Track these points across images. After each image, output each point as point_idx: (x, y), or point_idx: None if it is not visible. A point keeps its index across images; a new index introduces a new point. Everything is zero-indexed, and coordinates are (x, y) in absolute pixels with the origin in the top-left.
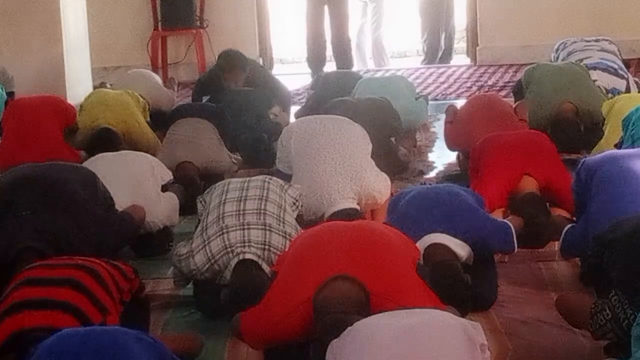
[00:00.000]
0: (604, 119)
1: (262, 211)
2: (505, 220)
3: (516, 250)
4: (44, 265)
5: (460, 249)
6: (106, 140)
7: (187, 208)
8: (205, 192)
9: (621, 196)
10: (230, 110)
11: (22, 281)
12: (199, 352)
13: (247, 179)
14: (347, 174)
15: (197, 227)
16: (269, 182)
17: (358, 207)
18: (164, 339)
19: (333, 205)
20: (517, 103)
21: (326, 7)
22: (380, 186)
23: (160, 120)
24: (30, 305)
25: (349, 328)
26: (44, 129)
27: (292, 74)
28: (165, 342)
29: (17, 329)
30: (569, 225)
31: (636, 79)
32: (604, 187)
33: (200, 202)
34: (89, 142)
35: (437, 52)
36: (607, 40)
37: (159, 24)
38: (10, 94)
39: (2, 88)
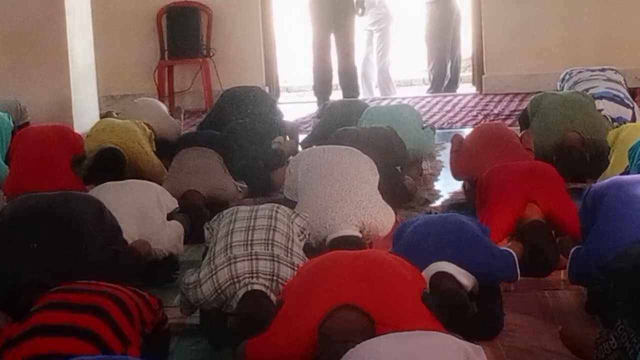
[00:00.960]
0: (610, 148)
1: (270, 242)
2: (508, 249)
3: (519, 278)
4: (70, 289)
5: (465, 278)
6: (111, 160)
7: (193, 236)
8: (213, 219)
9: (625, 221)
10: (233, 138)
11: (45, 305)
12: None
13: (255, 207)
14: (351, 202)
15: (204, 254)
16: (276, 212)
17: (360, 235)
18: None
19: (335, 231)
20: (522, 132)
21: (332, 36)
22: (384, 219)
23: (166, 148)
24: (51, 330)
25: (350, 350)
26: (52, 158)
27: (298, 102)
28: None
29: (38, 352)
30: (575, 247)
31: None
32: (608, 211)
33: (208, 229)
34: (94, 163)
35: (443, 80)
36: (612, 69)
37: (166, 53)
38: (26, 125)
39: (9, 117)
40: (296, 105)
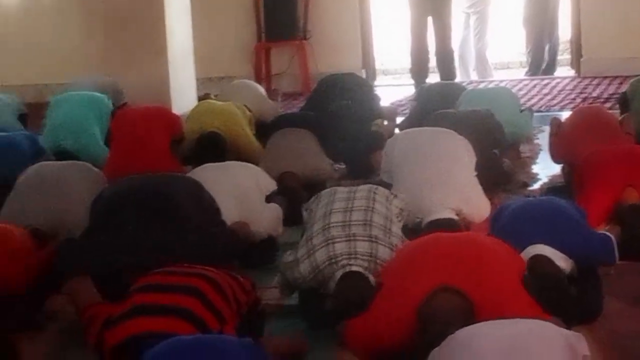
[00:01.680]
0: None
1: (369, 222)
2: (606, 232)
3: (617, 262)
4: (166, 272)
5: (563, 261)
6: (213, 144)
7: (291, 218)
8: (311, 200)
9: None
10: (332, 121)
11: (143, 286)
12: (304, 356)
13: (354, 188)
14: (448, 185)
15: (302, 235)
16: (375, 193)
17: (456, 218)
18: (270, 342)
19: (432, 213)
20: (622, 116)
21: (430, 19)
22: (480, 204)
23: (263, 130)
24: (150, 310)
25: (450, 337)
26: (151, 140)
27: (394, 85)
28: (272, 345)
29: (134, 333)
30: None
31: None
32: None
33: (306, 210)
34: (195, 146)
35: (541, 63)
36: None
37: (263, 35)
38: (124, 106)
39: (108, 98)
40: (393, 88)
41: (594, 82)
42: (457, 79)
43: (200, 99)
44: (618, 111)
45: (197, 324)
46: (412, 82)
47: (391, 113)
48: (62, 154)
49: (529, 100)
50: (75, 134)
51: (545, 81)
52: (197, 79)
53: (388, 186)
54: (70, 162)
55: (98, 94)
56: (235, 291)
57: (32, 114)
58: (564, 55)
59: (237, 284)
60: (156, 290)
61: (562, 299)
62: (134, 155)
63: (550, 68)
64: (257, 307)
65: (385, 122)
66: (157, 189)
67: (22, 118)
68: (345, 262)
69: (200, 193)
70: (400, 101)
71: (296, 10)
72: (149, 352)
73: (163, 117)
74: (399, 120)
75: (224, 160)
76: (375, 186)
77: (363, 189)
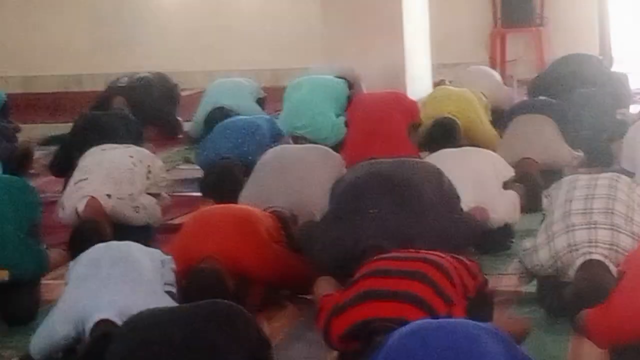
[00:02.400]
0: None
1: (610, 211)
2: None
3: None
4: (391, 257)
5: None
6: (448, 130)
7: (528, 205)
8: (552, 186)
9: None
10: (573, 108)
11: (370, 271)
12: (525, 337)
13: (596, 176)
14: None
15: (542, 222)
16: (617, 181)
17: None
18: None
19: None
20: None
21: None
22: None
23: (500, 116)
24: (379, 295)
25: None
26: (389, 125)
27: (632, 72)
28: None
29: (366, 317)
30: None
31: None
32: None
33: (546, 197)
34: (430, 131)
35: None
36: None
37: (499, 21)
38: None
39: (345, 83)
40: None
41: None
42: None
43: (435, 85)
44: None
45: (425, 308)
46: None
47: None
48: (298, 137)
49: None
50: (311, 118)
51: None
52: (432, 65)
53: (630, 175)
54: (309, 145)
55: (335, 79)
56: (462, 275)
57: (269, 97)
58: None
59: (464, 267)
60: (383, 275)
61: None
62: (372, 139)
63: None
64: (484, 290)
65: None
66: (398, 174)
67: (260, 101)
68: (585, 250)
69: (440, 179)
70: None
71: None
72: (392, 334)
73: (401, 103)
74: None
75: (458, 146)
76: (617, 174)
77: (605, 177)
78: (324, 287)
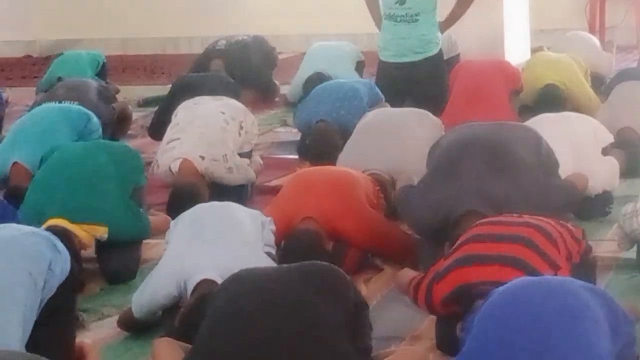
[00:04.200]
0: None
1: None
2: None
3: None
4: (494, 221)
5: None
6: (554, 97)
7: (628, 171)
8: None
9: None
10: None
11: (473, 236)
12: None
13: None
14: None
15: None
16: None
17: None
18: None
19: None
20: None
21: None
22: None
23: (599, 82)
24: (481, 259)
25: None
26: (491, 89)
27: None
28: None
29: (468, 281)
30: None
31: None
32: None
33: None
34: (534, 100)
35: None
36: None
37: None
38: (456, 57)
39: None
40: None
41: None
42: None
43: (533, 51)
44: None
45: (530, 272)
46: None
47: None
48: None
49: None
50: None
51: None
52: (530, 31)
53: None
54: (408, 109)
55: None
56: (566, 240)
57: (367, 62)
58: None
59: (568, 232)
60: (486, 239)
61: None
62: (472, 103)
63: None
64: (588, 256)
65: None
66: (496, 138)
67: (359, 65)
68: None
69: (539, 143)
70: None
71: None
72: (492, 292)
73: (504, 70)
74: None
75: (561, 111)
76: None
77: None
78: (407, 274)
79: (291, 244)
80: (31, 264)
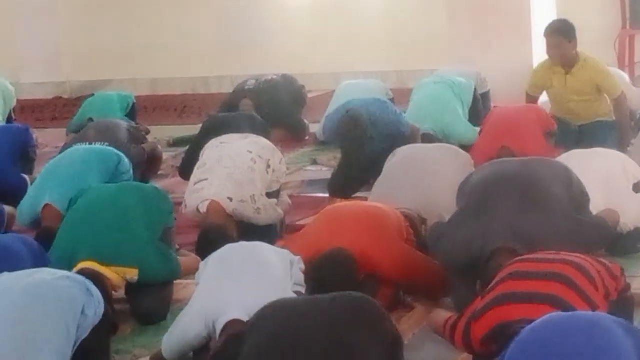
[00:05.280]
0: None
1: None
2: None
3: None
4: (532, 259)
5: None
6: None
7: None
8: None
9: None
10: None
11: (511, 273)
12: None
13: None
14: None
15: None
16: None
17: None
18: None
19: None
20: None
21: None
22: None
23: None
24: (520, 297)
25: None
26: (524, 127)
27: None
28: None
29: (503, 320)
30: None
31: None
32: None
33: None
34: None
35: None
36: None
37: (628, 22)
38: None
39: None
40: None
41: None
42: None
43: None
44: None
45: (565, 309)
46: None
47: None
48: (425, 136)
49: None
50: (438, 115)
51: None
52: None
53: None
54: (438, 144)
55: (461, 79)
56: (604, 278)
57: (395, 100)
58: None
59: (605, 270)
60: (523, 277)
61: None
62: (504, 140)
63: None
64: (626, 293)
65: None
66: (526, 173)
67: None
68: None
69: (570, 178)
70: None
71: None
72: (525, 328)
73: (537, 112)
74: None
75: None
76: None
77: None
78: (440, 315)
79: (322, 265)
80: (65, 310)
